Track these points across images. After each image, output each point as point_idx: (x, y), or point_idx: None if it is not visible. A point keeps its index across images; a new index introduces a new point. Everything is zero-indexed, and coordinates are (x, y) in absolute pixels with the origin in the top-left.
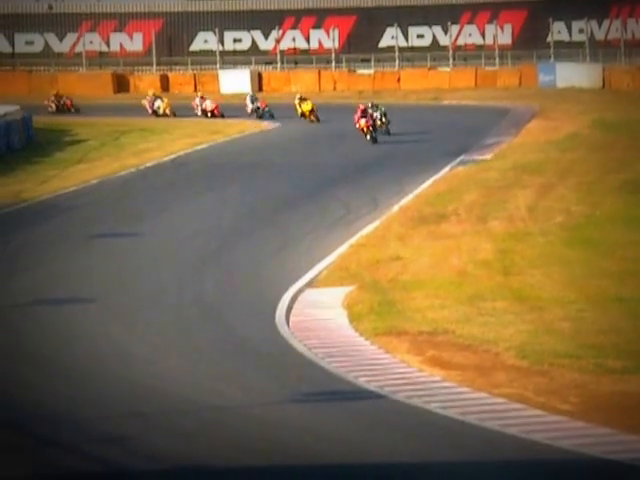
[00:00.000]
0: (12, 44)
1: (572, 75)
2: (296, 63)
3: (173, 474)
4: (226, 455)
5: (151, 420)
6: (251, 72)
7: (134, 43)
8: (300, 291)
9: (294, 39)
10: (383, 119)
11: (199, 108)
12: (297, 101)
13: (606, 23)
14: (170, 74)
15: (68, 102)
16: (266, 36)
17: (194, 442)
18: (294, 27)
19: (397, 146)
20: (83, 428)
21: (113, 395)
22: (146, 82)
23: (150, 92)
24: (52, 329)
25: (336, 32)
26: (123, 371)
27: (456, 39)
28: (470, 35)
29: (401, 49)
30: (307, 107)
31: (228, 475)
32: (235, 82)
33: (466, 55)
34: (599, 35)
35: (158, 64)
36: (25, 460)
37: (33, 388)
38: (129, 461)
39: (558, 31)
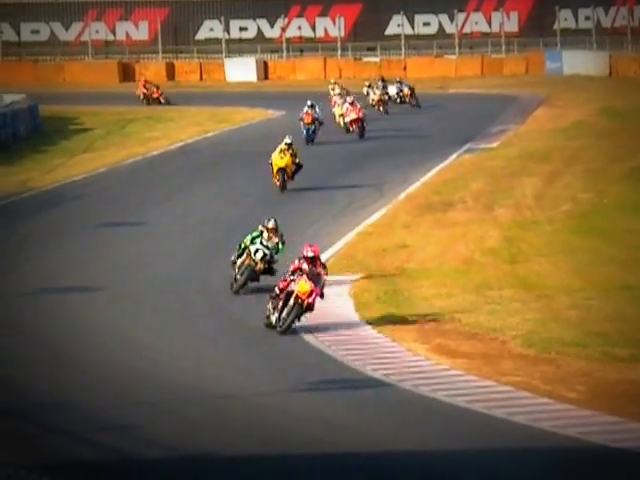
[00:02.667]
0: (18, 33)
1: (579, 63)
2: (302, 51)
3: (178, 462)
4: (231, 443)
5: (156, 408)
6: (257, 60)
7: (140, 32)
8: None
9: (300, 27)
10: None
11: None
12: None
13: (613, 10)
14: (176, 63)
15: (157, 92)
16: (272, 24)
17: (199, 430)
18: (300, 15)
19: (403, 134)
20: (87, 416)
21: (118, 383)
22: (152, 71)
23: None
24: (57, 318)
25: (342, 20)
26: (128, 359)
27: (462, 27)
28: (476, 23)
29: (407, 37)
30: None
31: (232, 463)
32: (241, 71)
33: (472, 43)
34: (606, 22)
35: (164, 53)
36: (28, 448)
37: (37, 377)
38: (133, 449)
39: (565, 18)
